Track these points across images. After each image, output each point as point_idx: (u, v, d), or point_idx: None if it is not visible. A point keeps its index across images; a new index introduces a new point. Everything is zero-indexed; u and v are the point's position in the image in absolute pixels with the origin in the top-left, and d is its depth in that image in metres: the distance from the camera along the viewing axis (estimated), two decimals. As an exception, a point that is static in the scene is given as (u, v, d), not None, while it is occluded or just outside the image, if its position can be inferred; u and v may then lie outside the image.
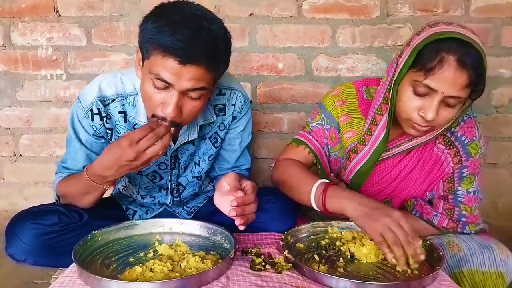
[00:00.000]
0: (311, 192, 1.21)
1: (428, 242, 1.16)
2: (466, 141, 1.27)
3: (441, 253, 1.08)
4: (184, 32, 1.00)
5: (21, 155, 2.01)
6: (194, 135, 1.30)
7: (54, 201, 1.33)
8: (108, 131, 1.27)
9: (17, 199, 2.02)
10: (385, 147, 1.27)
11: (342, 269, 1.06)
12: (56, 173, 1.34)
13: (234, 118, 1.37)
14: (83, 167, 1.22)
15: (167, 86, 1.05)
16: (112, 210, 1.41)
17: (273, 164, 1.44)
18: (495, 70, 1.93)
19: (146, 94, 1.09)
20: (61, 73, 1.94)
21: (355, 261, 1.11)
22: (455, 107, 1.15)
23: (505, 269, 1.12)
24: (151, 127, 1.04)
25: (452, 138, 1.28)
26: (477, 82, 1.10)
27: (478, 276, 1.12)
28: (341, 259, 1.10)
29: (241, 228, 1.09)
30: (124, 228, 1.22)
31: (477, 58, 1.08)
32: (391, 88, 1.19)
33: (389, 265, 1.08)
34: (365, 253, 1.12)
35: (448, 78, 1.08)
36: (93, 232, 1.16)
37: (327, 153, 1.41)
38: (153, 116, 1.10)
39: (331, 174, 1.41)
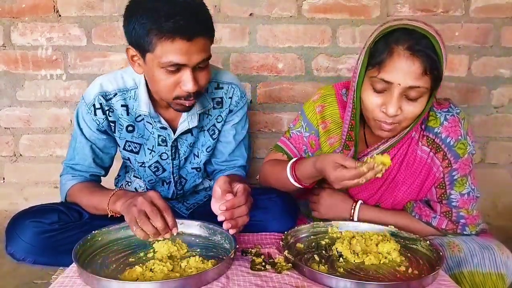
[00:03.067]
0: (287, 173, 1.27)
1: (428, 242, 1.16)
2: (451, 142, 1.24)
3: (441, 253, 1.08)
4: (178, 11, 1.06)
5: (21, 155, 2.01)
6: (194, 123, 1.34)
7: (61, 201, 1.38)
8: (111, 124, 1.33)
9: (17, 199, 2.02)
10: (358, 158, 1.30)
11: (342, 269, 1.06)
12: (62, 175, 1.38)
13: (230, 111, 1.41)
14: (93, 160, 1.34)
15: (180, 67, 1.12)
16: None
17: (258, 176, 1.49)
18: (495, 70, 1.93)
19: (160, 82, 1.15)
20: (61, 73, 1.94)
21: (343, 260, 1.11)
22: (418, 100, 1.13)
23: (505, 270, 1.12)
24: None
25: (437, 140, 1.25)
26: (432, 69, 1.08)
27: (478, 277, 1.12)
28: (341, 259, 1.10)
29: (231, 232, 1.10)
30: (124, 228, 1.22)
31: (427, 44, 1.08)
32: (355, 93, 1.20)
33: (389, 264, 1.09)
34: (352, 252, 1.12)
35: (400, 68, 1.09)
36: (93, 232, 1.16)
37: None
38: (176, 98, 1.18)
39: None
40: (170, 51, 1.08)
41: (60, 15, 1.90)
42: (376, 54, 1.12)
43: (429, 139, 1.27)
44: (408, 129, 1.22)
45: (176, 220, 1.27)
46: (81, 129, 1.33)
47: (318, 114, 1.36)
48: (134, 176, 1.52)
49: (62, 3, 1.88)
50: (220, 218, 1.08)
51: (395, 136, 1.24)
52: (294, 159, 1.30)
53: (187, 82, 1.14)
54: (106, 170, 1.44)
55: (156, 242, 1.15)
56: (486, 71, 1.93)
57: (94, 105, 1.29)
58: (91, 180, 1.37)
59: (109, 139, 1.36)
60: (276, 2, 1.88)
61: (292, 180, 1.28)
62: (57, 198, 1.41)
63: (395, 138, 1.25)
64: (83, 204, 1.30)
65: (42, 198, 1.96)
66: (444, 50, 1.11)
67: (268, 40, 1.91)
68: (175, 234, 1.05)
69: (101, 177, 1.43)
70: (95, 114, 1.29)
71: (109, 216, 1.20)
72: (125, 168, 1.56)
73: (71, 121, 1.97)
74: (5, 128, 1.98)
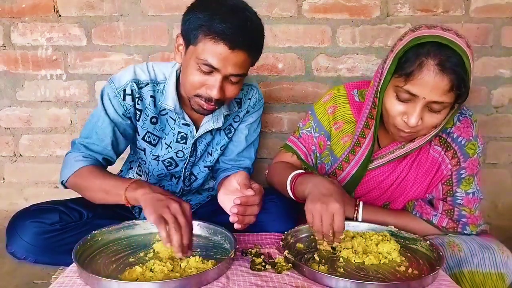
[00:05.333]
0: (287, 183, 1.27)
1: (428, 242, 1.16)
2: (462, 142, 1.26)
3: (441, 253, 1.09)
4: (234, 21, 1.10)
5: (21, 155, 2.01)
6: (219, 124, 1.36)
7: (60, 182, 1.32)
8: (137, 112, 1.33)
9: (17, 199, 2.02)
10: (371, 158, 1.30)
11: (342, 269, 1.06)
12: (70, 152, 1.33)
13: (247, 111, 1.45)
14: (111, 142, 1.31)
15: (212, 71, 1.14)
16: (114, 208, 1.40)
17: (267, 171, 1.49)
18: (495, 70, 1.93)
19: (190, 77, 1.18)
20: (61, 73, 1.94)
21: (343, 260, 1.12)
22: (441, 113, 1.13)
23: (505, 270, 1.12)
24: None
25: (449, 140, 1.27)
26: (459, 86, 1.07)
27: (478, 276, 1.12)
28: (341, 259, 1.10)
29: (236, 227, 1.12)
30: (124, 228, 1.22)
31: (458, 61, 1.06)
32: (378, 95, 1.19)
33: (389, 264, 1.09)
34: (348, 250, 1.14)
35: (428, 83, 1.07)
36: (93, 232, 1.16)
37: (313, 161, 1.43)
38: (197, 95, 1.19)
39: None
40: (209, 51, 1.11)
41: (60, 15, 1.90)
42: (405, 64, 1.10)
43: (442, 139, 1.28)
44: (428, 138, 1.23)
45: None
46: (105, 109, 1.30)
47: (330, 115, 1.37)
48: (137, 173, 1.52)
49: (62, 3, 1.88)
50: (232, 211, 1.10)
51: (413, 142, 1.25)
52: (296, 172, 1.28)
53: (213, 87, 1.15)
54: (117, 157, 1.40)
55: (156, 242, 1.15)
56: (486, 71, 1.93)
57: (124, 90, 1.28)
58: (102, 164, 1.33)
59: (131, 126, 1.35)
60: (276, 2, 1.88)
61: (291, 195, 1.29)
62: (56, 198, 1.40)
63: (412, 145, 1.26)
64: (91, 186, 1.24)
65: (42, 198, 1.93)
66: (473, 63, 1.10)
67: (268, 40, 1.90)
68: (186, 256, 1.03)
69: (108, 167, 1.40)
70: (124, 99, 1.29)
71: (122, 201, 1.15)
72: (130, 163, 1.56)
73: (71, 121, 1.97)
74: (5, 128, 1.98)
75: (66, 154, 1.34)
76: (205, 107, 1.21)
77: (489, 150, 2.00)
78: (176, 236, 1.00)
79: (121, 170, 1.59)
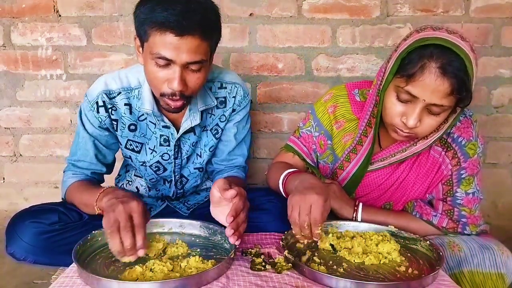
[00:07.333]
0: (280, 182, 1.27)
1: (428, 242, 1.16)
2: (463, 142, 1.26)
3: (441, 253, 1.09)
4: (175, 7, 1.05)
5: (21, 155, 2.01)
6: (197, 121, 1.33)
7: (61, 198, 1.38)
8: (113, 122, 1.33)
9: (17, 199, 2.02)
10: (372, 160, 1.30)
11: (342, 269, 1.06)
12: (65, 171, 1.38)
13: (233, 110, 1.41)
14: (95, 156, 1.34)
15: (169, 63, 1.10)
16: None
17: (266, 172, 1.48)
18: (495, 70, 1.93)
19: (150, 74, 1.15)
20: (61, 73, 1.94)
21: (338, 253, 1.13)
22: (440, 115, 1.13)
23: (505, 270, 1.12)
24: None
25: (449, 140, 1.27)
26: (460, 91, 1.06)
27: (478, 276, 1.12)
28: (344, 265, 1.09)
29: (236, 243, 1.06)
30: (124, 228, 1.22)
31: (460, 66, 1.05)
32: (379, 93, 1.19)
33: (389, 264, 1.09)
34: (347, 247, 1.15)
35: (429, 85, 1.06)
36: (93, 232, 1.16)
37: (315, 160, 1.43)
38: (162, 95, 1.16)
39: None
40: (159, 43, 1.07)
41: (60, 15, 1.90)
42: (408, 65, 1.10)
43: (442, 139, 1.28)
44: (430, 142, 1.23)
45: (176, 220, 1.29)
46: (83, 125, 1.33)
47: (331, 115, 1.36)
48: (135, 175, 1.51)
49: (62, 3, 1.88)
50: (229, 233, 1.05)
51: (415, 146, 1.25)
52: (288, 171, 1.28)
53: (173, 79, 1.11)
54: (109, 167, 1.43)
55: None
56: (486, 71, 1.93)
57: (97, 102, 1.29)
58: (91, 178, 1.37)
59: (112, 136, 1.36)
60: (276, 2, 1.88)
61: (283, 194, 1.28)
62: (57, 198, 1.41)
63: (414, 149, 1.26)
64: (75, 202, 1.29)
65: (42, 198, 1.96)
66: (476, 68, 1.09)
67: (268, 40, 1.91)
68: (140, 255, 1.01)
69: (104, 176, 1.43)
70: (98, 112, 1.29)
71: (97, 213, 1.15)
72: (126, 167, 1.56)
73: (71, 121, 1.97)
74: (5, 128, 1.98)
75: (63, 171, 1.39)
76: (172, 105, 1.17)
77: (489, 150, 2.00)
78: (112, 241, 0.97)
79: (119, 174, 1.58)
